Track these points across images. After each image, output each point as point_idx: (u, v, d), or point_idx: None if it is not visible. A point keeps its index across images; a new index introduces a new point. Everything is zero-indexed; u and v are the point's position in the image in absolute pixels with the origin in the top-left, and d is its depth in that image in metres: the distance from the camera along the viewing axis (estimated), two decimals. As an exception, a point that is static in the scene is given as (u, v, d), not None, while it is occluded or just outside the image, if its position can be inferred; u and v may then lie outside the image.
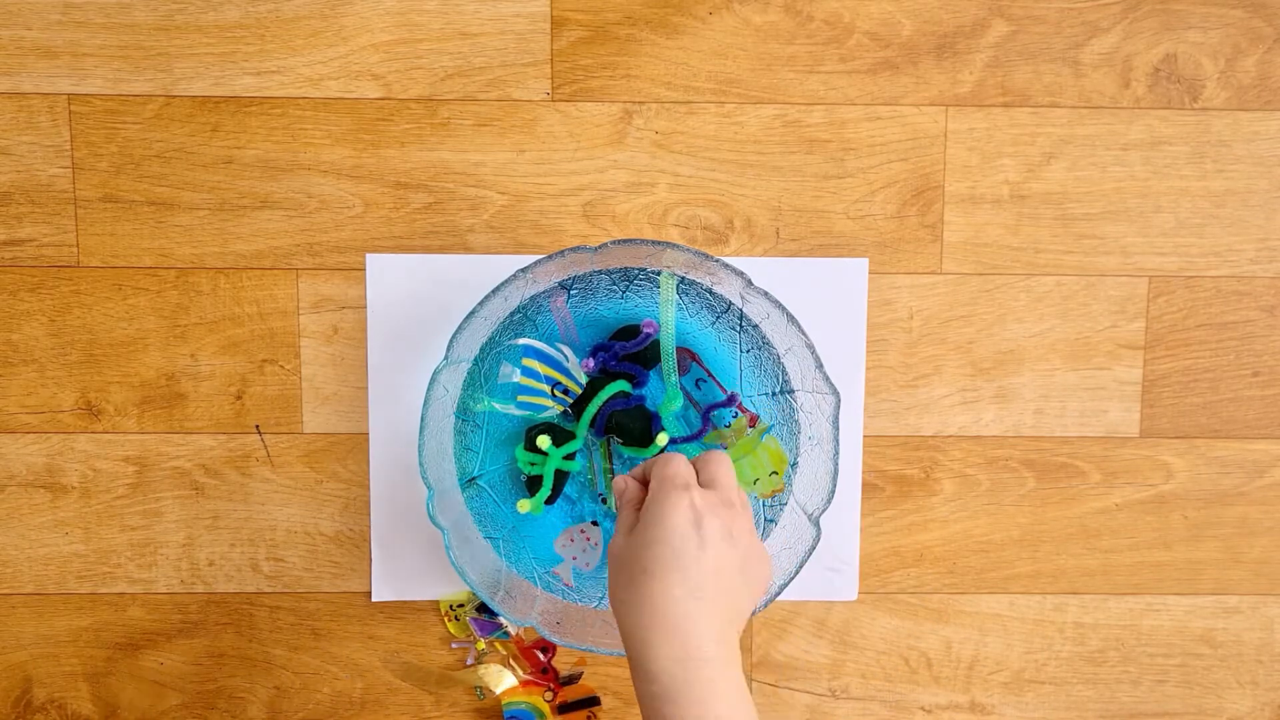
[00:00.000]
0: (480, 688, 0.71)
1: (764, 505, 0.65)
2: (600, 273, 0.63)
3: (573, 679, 0.71)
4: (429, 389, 0.60)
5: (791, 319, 0.60)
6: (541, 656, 0.71)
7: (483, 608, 0.70)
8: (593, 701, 0.71)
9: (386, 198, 0.68)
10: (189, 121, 0.68)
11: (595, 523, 0.65)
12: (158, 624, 0.71)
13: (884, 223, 0.70)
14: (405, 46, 0.68)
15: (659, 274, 0.63)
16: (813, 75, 0.69)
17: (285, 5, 0.67)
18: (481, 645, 0.71)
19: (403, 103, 0.68)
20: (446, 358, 0.60)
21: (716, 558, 0.49)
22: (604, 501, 0.65)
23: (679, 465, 0.52)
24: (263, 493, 0.70)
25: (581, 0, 0.68)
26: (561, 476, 0.65)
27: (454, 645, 0.71)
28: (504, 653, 0.71)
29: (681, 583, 0.48)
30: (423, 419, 0.60)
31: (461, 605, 0.70)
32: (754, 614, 0.61)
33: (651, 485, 0.52)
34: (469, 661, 0.71)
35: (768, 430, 0.64)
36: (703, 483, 0.52)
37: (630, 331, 0.64)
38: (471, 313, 0.59)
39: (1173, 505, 0.72)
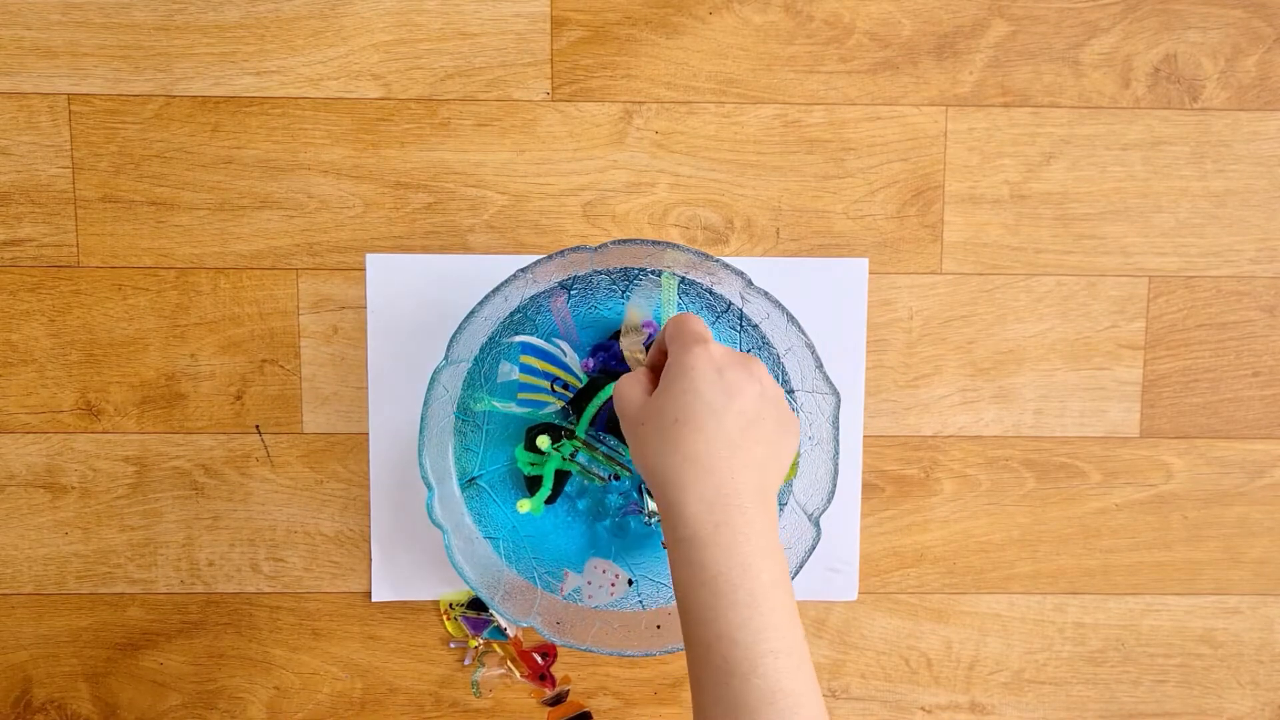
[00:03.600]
0: (476, 684, 0.71)
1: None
2: (600, 273, 0.63)
3: (560, 698, 0.71)
4: (429, 389, 0.60)
5: (791, 319, 0.60)
6: (540, 661, 0.71)
7: (473, 605, 0.70)
8: (584, 718, 0.71)
9: (386, 198, 0.68)
10: (189, 121, 0.68)
11: (631, 581, 0.65)
12: (158, 624, 0.71)
13: (884, 223, 0.70)
14: (405, 46, 0.68)
15: (659, 274, 0.63)
16: (813, 75, 0.69)
17: (285, 5, 0.67)
18: (475, 643, 0.71)
19: (403, 103, 0.68)
20: (446, 358, 0.60)
21: (744, 408, 0.50)
22: (615, 479, 0.65)
23: (694, 322, 0.53)
24: (263, 493, 0.70)
25: (581, 0, 0.68)
26: (561, 476, 0.65)
27: (452, 645, 0.71)
28: (502, 654, 0.71)
29: (716, 429, 0.49)
30: (423, 419, 0.60)
31: (462, 604, 0.70)
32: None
33: (670, 344, 0.53)
34: (466, 661, 0.71)
35: None
36: None
37: (630, 331, 0.64)
38: (471, 313, 0.59)
39: (1173, 505, 0.72)
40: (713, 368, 0.50)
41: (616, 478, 0.65)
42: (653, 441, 0.50)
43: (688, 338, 0.52)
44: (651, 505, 0.65)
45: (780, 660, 0.46)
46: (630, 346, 0.62)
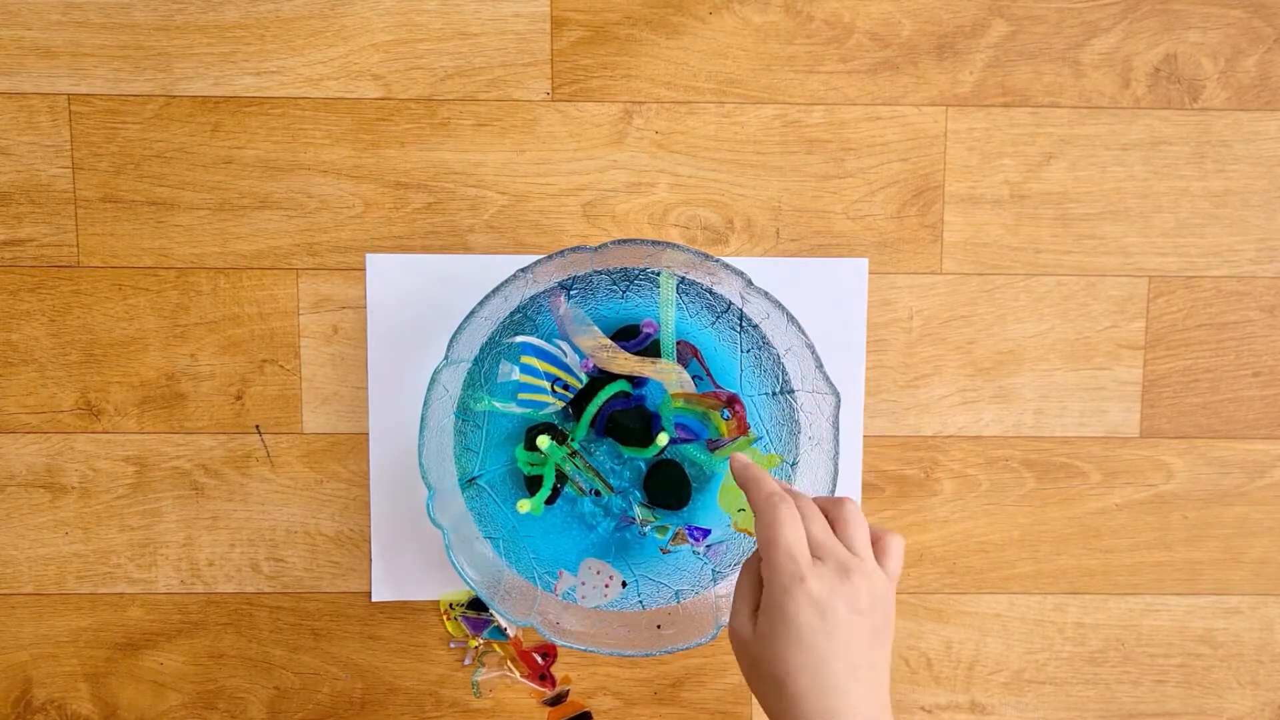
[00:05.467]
0: (477, 685, 0.71)
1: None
2: (600, 273, 0.63)
3: (560, 698, 0.71)
4: (429, 389, 0.60)
5: (791, 319, 0.60)
6: (540, 661, 0.71)
7: (473, 605, 0.70)
8: (585, 718, 0.71)
9: (386, 198, 0.68)
10: (189, 121, 0.68)
11: (625, 583, 0.64)
12: (158, 624, 0.71)
13: (884, 223, 0.70)
14: (405, 46, 0.68)
15: (659, 274, 0.63)
16: (813, 75, 0.69)
17: (285, 5, 0.67)
18: (475, 643, 0.71)
19: (403, 103, 0.68)
20: (446, 358, 0.60)
21: (848, 639, 0.48)
22: (597, 494, 0.65)
23: (792, 544, 0.49)
24: (263, 493, 0.70)
25: (581, 0, 0.68)
26: (562, 477, 0.65)
27: (452, 645, 0.71)
28: (502, 654, 0.71)
29: (824, 678, 0.48)
30: (423, 419, 0.60)
31: (461, 604, 0.70)
32: None
33: (765, 571, 0.50)
34: (466, 661, 0.71)
35: (755, 441, 0.64)
36: (836, 533, 0.50)
37: (630, 331, 0.64)
38: (471, 313, 0.59)
39: (1173, 505, 0.72)
40: (814, 613, 0.48)
41: (598, 493, 0.65)
42: (764, 691, 0.50)
43: (784, 574, 0.49)
44: (641, 515, 0.65)
45: None
46: (588, 344, 0.61)
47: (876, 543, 0.52)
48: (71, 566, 0.70)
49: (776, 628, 0.49)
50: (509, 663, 0.71)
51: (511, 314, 0.63)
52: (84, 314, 0.69)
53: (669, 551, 0.66)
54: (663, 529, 0.64)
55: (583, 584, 0.64)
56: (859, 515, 0.51)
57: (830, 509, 0.51)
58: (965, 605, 0.72)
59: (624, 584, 0.64)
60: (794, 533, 0.50)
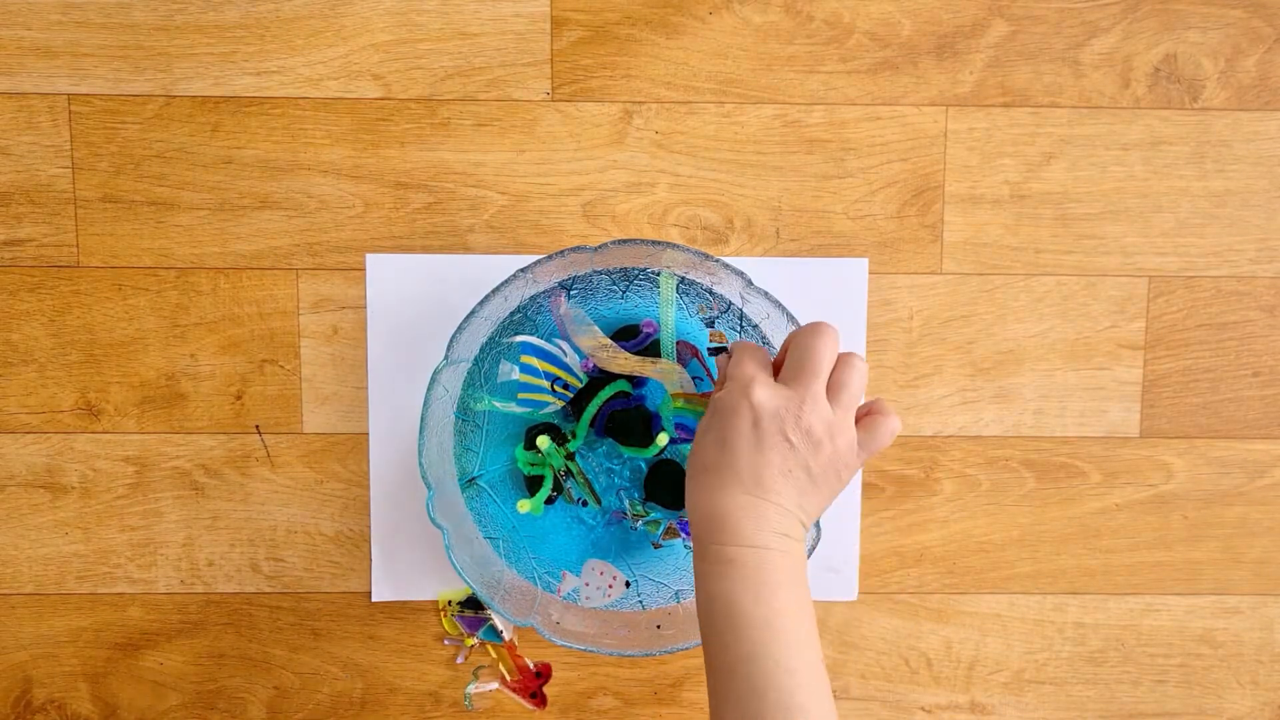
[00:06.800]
0: (469, 697, 0.70)
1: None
2: (600, 273, 0.63)
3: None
4: (429, 389, 0.60)
5: (792, 319, 0.60)
6: (535, 677, 0.70)
7: (469, 603, 0.70)
8: None
9: (386, 198, 0.68)
10: (189, 121, 0.68)
11: (629, 583, 0.65)
12: (158, 624, 0.71)
13: (884, 223, 0.70)
14: (405, 46, 0.68)
15: (659, 274, 0.63)
16: (813, 75, 0.69)
17: (285, 5, 0.67)
18: (470, 642, 0.70)
19: (403, 103, 0.68)
20: (446, 358, 0.60)
21: (772, 460, 0.50)
22: (584, 505, 0.65)
23: (747, 365, 0.53)
24: (263, 493, 0.70)
25: (581, 0, 0.68)
26: (558, 482, 0.65)
27: (446, 642, 0.71)
28: (494, 655, 0.71)
29: (735, 480, 0.50)
30: (423, 419, 0.60)
31: (459, 602, 0.70)
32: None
33: (725, 380, 0.53)
34: (459, 659, 0.71)
35: None
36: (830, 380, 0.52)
37: (630, 331, 0.64)
38: (471, 313, 0.59)
39: (1173, 505, 0.72)
40: (748, 419, 0.51)
41: (585, 503, 0.65)
42: (689, 481, 0.53)
43: (735, 380, 0.52)
44: (633, 510, 0.65)
45: (796, 678, 0.48)
46: (588, 343, 0.62)
47: (868, 413, 0.53)
48: (71, 566, 0.70)
49: (711, 425, 0.52)
50: (501, 666, 0.70)
51: (511, 314, 0.63)
52: (84, 314, 0.69)
53: (661, 546, 0.66)
54: (654, 524, 0.64)
55: (586, 584, 0.64)
56: (859, 373, 0.52)
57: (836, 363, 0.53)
58: (965, 605, 0.72)
59: (627, 584, 0.64)
60: (754, 364, 0.53)
